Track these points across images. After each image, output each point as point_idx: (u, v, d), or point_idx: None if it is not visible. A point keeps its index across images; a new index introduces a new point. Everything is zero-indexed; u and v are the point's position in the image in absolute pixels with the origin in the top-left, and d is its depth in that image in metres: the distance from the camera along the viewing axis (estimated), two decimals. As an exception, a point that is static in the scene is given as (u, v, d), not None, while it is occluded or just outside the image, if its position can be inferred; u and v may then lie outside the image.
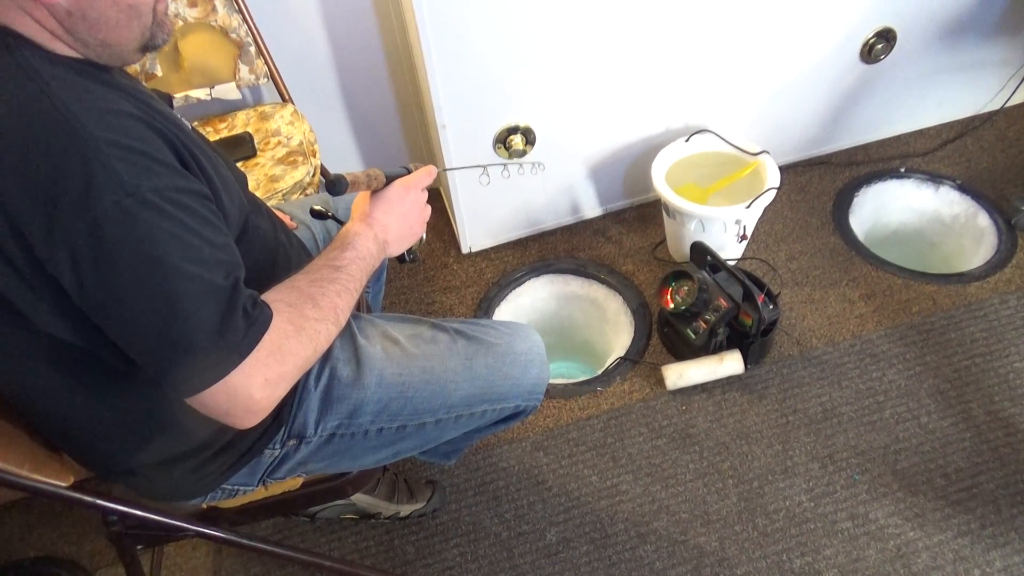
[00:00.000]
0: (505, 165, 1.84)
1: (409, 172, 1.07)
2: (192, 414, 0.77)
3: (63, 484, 0.97)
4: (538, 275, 2.05)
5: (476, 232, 2.07)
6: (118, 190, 0.68)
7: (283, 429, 1.03)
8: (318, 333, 0.84)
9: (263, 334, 0.77)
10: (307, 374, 1.05)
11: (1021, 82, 2.20)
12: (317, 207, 1.14)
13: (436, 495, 1.57)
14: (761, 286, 1.67)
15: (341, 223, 1.06)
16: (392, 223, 1.02)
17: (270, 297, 0.83)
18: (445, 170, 1.83)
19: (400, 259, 1.10)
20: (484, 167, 1.78)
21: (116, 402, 0.88)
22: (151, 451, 0.94)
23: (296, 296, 0.85)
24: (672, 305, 1.72)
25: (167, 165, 0.74)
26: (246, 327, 0.75)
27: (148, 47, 0.82)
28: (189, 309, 0.72)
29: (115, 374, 0.85)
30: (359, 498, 1.48)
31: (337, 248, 0.95)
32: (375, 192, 1.03)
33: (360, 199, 1.03)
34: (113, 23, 0.76)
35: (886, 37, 1.93)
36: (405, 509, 1.53)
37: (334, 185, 0.92)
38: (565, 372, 2.18)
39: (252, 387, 0.76)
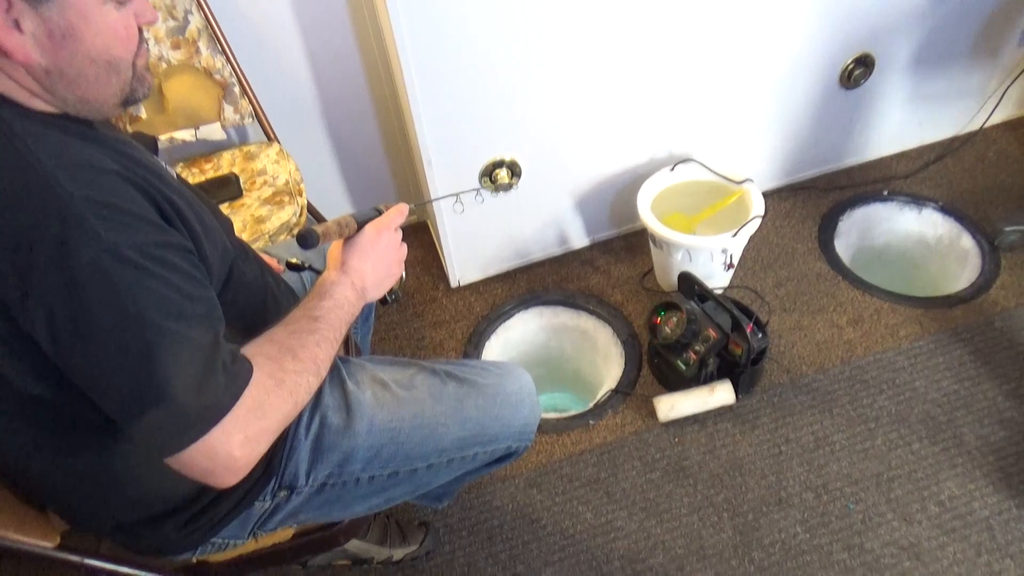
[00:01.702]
0: (478, 191, 1.84)
1: (380, 214, 1.06)
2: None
3: (49, 544, 0.95)
4: (527, 307, 2.05)
5: (464, 265, 2.07)
6: (95, 247, 0.68)
7: (273, 480, 1.02)
8: (298, 386, 0.83)
9: (243, 390, 0.76)
10: (297, 423, 1.03)
11: (999, 103, 2.24)
12: (293, 260, 1.13)
13: (429, 537, 1.55)
14: (749, 315, 1.67)
15: (318, 273, 1.05)
16: (368, 268, 1.01)
17: (250, 351, 0.82)
18: (418, 205, 1.83)
19: (382, 301, 1.09)
20: (457, 195, 1.78)
21: (99, 460, 0.87)
22: (137, 508, 0.93)
23: (275, 349, 0.84)
24: (662, 336, 1.72)
25: (146, 220, 0.73)
26: (226, 383, 0.74)
27: (129, 101, 0.81)
28: (168, 366, 0.71)
29: (98, 432, 0.83)
30: (351, 544, 1.45)
31: (315, 298, 0.94)
32: (348, 239, 1.02)
33: (334, 248, 1.02)
34: (92, 80, 0.75)
35: (864, 63, 1.96)
36: (398, 553, 1.51)
37: (305, 239, 0.91)
38: (557, 404, 2.17)
39: (232, 445, 0.74)
